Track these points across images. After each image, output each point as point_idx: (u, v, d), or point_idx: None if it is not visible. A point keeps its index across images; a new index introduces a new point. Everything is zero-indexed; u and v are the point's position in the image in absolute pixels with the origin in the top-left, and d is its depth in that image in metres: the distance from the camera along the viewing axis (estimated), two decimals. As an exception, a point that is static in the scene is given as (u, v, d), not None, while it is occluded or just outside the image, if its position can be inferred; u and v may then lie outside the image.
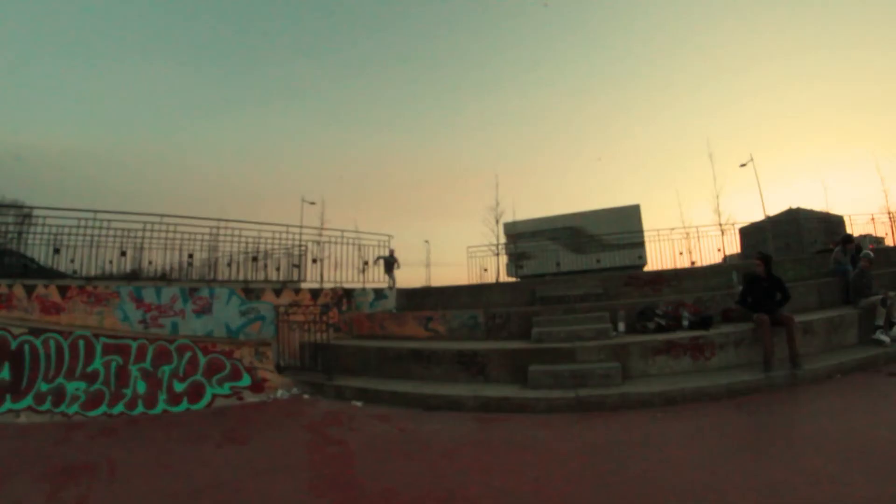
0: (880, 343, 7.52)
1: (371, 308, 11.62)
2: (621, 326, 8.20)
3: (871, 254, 8.84)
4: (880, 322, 7.72)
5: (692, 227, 17.64)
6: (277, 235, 11.74)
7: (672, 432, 5.03)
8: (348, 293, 11.46)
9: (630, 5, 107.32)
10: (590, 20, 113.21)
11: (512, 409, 6.26)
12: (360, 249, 12.38)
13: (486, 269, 18.19)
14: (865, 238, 19.30)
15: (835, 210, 22.68)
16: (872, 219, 21.19)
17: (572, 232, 24.64)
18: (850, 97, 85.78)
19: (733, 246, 19.34)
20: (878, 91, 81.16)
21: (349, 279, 12.24)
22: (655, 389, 6.18)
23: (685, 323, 7.97)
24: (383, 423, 6.09)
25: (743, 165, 30.39)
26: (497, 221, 24.18)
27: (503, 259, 20.72)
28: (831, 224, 21.47)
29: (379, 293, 12.04)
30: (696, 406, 5.80)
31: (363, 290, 11.89)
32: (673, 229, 17.66)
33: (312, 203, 28.02)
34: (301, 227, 12.75)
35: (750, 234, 22.09)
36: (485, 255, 18.86)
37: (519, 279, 20.44)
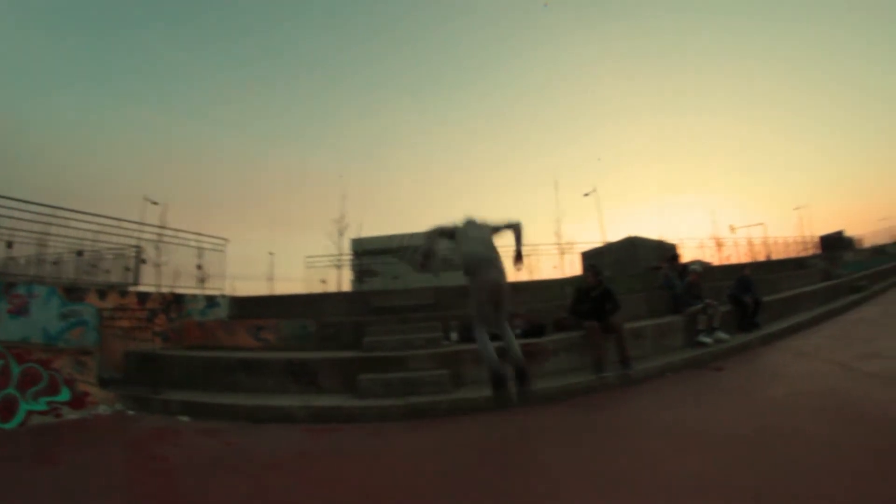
0: (704, 344, 8.62)
1: (202, 316, 11.09)
2: (454, 336, 8.52)
3: (699, 268, 10.30)
4: (701, 327, 8.86)
5: (531, 246, 18.82)
6: (108, 230, 10.72)
7: (507, 433, 5.23)
8: (178, 299, 10.77)
9: (488, 41, 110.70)
10: (460, 47, 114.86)
11: (343, 418, 6.21)
12: (199, 254, 11.94)
13: (324, 281, 18.04)
14: (695, 262, 22.27)
15: (669, 237, 25.56)
16: (701, 244, 24.51)
17: (417, 250, 24.19)
18: (688, 135, 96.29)
19: (575, 268, 21.21)
20: (714, 132, 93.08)
21: (185, 284, 11.56)
22: (487, 394, 6.27)
23: (518, 331, 8.24)
24: (210, 438, 5.82)
25: (586, 195, 33.43)
26: (341, 234, 24.12)
27: (347, 273, 20.59)
28: (665, 249, 24.10)
29: (211, 300, 11.49)
30: (532, 408, 6.03)
31: (194, 296, 11.25)
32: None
33: (155, 203, 25.93)
34: (140, 223, 11.92)
35: (591, 257, 23.83)
36: (325, 266, 18.86)
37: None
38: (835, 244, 41.10)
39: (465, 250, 5.95)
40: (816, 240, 39.99)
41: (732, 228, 35.60)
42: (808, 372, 6.40)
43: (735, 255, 26.44)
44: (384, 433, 5.61)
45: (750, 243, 28.23)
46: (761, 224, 37.12)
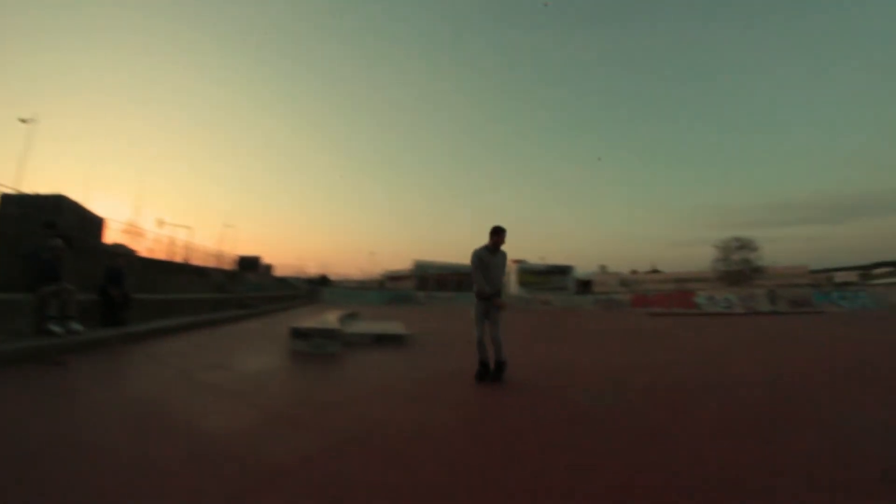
0: (53, 333, 7.38)
1: None
2: None
3: (61, 242, 8.61)
4: (53, 313, 7.60)
5: None
6: None
7: None
8: None
9: None
10: None
11: None
12: None
13: None
14: (118, 246, 20.22)
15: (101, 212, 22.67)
16: (127, 229, 22.52)
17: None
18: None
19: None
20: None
21: None
22: None
23: None
24: None
25: (23, 121, 27.32)
26: None
27: None
28: (87, 220, 21.22)
29: None
30: None
31: None
32: None
33: None
34: None
35: (13, 201, 19.59)
36: None
37: None
38: (249, 265, 45.39)
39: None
40: (235, 257, 43.08)
41: (161, 223, 35.06)
42: (151, 376, 5.98)
43: (157, 249, 25.66)
44: None
45: (172, 242, 27.93)
46: (189, 227, 37.71)
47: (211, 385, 5.35)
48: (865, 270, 77.24)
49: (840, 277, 65.53)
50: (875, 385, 5.91)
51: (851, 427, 4.01)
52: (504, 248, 6.13)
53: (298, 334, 8.20)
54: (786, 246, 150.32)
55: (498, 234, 6.08)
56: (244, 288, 22.34)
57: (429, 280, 57.52)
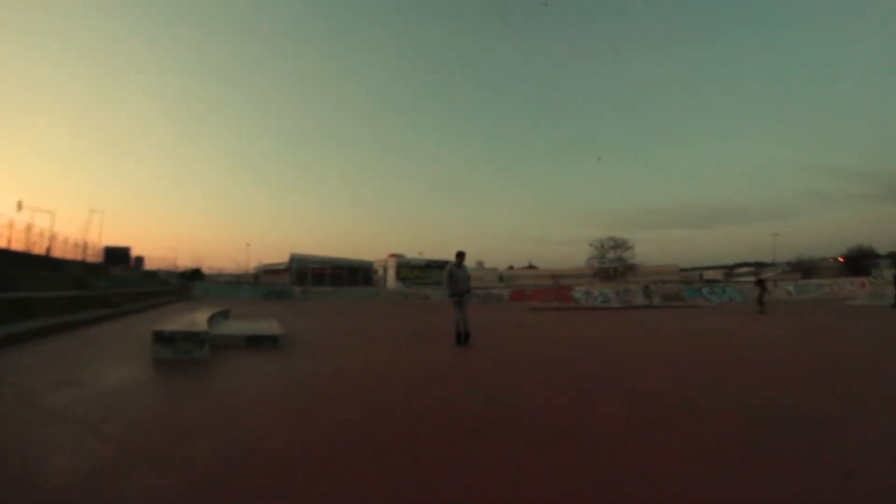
0: None
1: None
2: None
3: None
4: None
5: None
6: None
7: None
8: None
9: None
10: None
11: None
12: None
13: None
14: None
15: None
16: None
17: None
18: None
19: None
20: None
21: None
22: None
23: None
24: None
25: None
26: None
27: None
28: None
29: None
30: None
31: None
32: None
33: None
34: None
35: None
36: None
37: None
38: (117, 257, 42.30)
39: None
40: (101, 248, 39.97)
41: (20, 206, 31.52)
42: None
43: (14, 237, 23.15)
44: None
45: (30, 228, 25.28)
46: (50, 212, 34.13)
47: (56, 410, 4.58)
48: (729, 270, 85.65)
49: (706, 276, 71.96)
50: (764, 370, 6.75)
51: (763, 411, 4.41)
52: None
53: (162, 339, 7.64)
54: (657, 247, 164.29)
55: (461, 255, 10.01)
56: (107, 283, 20.71)
57: (306, 274, 56.32)
